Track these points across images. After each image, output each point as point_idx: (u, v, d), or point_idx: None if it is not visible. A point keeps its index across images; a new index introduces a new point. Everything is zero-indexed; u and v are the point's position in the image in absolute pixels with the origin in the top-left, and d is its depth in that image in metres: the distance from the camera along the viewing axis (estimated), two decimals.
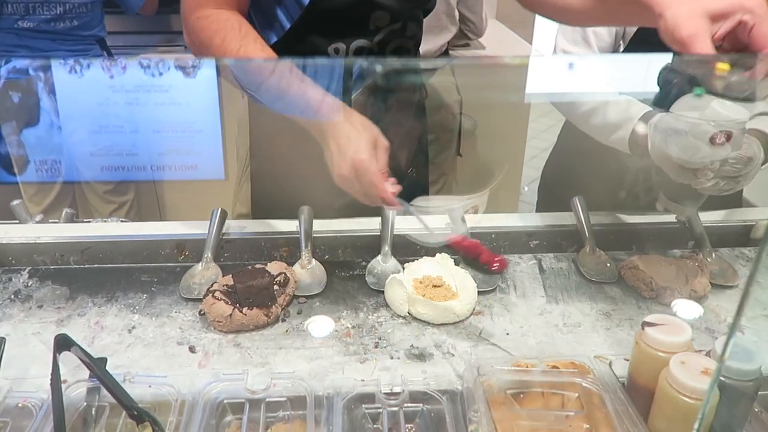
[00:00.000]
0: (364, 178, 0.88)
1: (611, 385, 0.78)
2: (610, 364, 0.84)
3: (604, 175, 1.30)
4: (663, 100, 0.99)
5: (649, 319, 0.77)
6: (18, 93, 2.24)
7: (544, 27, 3.23)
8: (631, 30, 1.20)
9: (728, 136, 0.89)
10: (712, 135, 0.90)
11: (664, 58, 0.93)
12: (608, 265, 1.10)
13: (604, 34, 1.22)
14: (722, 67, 0.83)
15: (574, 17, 1.06)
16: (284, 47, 1.08)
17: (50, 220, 1.29)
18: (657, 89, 0.96)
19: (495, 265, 0.92)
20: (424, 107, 1.32)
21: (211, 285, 0.98)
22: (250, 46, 0.97)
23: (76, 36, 2.25)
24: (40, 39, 2.20)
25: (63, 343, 0.76)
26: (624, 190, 1.32)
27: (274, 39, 1.10)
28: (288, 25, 1.07)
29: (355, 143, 0.89)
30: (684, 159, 0.92)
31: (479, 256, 0.93)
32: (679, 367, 0.70)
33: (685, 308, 1.01)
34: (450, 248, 0.96)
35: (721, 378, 0.68)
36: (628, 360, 0.81)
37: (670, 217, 1.17)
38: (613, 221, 1.20)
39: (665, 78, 0.97)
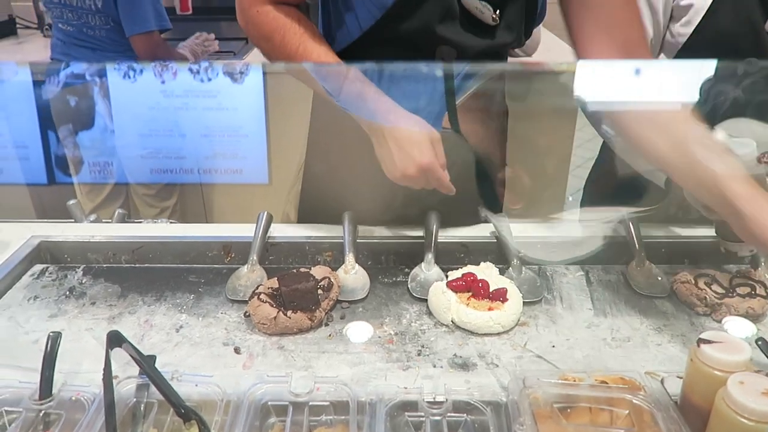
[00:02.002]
0: (432, 176, 0.98)
1: (663, 402, 0.75)
2: (662, 381, 0.81)
3: (651, 186, 1.26)
4: (707, 113, 0.96)
5: (705, 335, 0.75)
6: (75, 97, 2.33)
7: None
8: (674, 42, 1.16)
9: None
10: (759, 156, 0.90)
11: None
12: (659, 278, 1.06)
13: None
14: None
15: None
16: (345, 57, 1.06)
17: (103, 220, 1.33)
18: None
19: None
20: (506, 112, 1.31)
21: (257, 287, 1.00)
22: (308, 44, 1.00)
23: (114, 41, 2.23)
24: (81, 47, 2.24)
25: (115, 340, 0.78)
26: (674, 204, 1.28)
27: (338, 47, 1.09)
28: (356, 36, 1.06)
29: (417, 144, 0.97)
30: None
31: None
32: (737, 387, 0.67)
33: (741, 327, 0.97)
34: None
35: None
36: (681, 378, 0.78)
37: None
38: (665, 234, 1.17)
39: (715, 91, 0.95)
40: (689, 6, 1.10)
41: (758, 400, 0.65)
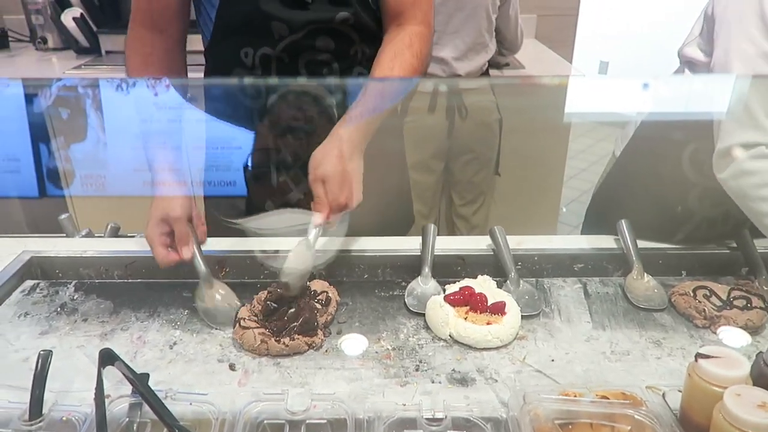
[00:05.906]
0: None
1: (666, 418, 0.74)
2: (663, 396, 0.80)
3: (664, 201, 1.22)
4: None
5: (703, 350, 0.74)
6: (67, 110, 2.32)
7: (584, 46, 3.20)
8: None
9: None
10: None
11: None
12: (656, 290, 1.06)
13: None
14: None
15: None
16: (211, 50, 1.20)
17: (96, 234, 1.31)
18: None
19: None
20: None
21: (238, 311, 0.97)
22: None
23: None
24: None
25: (107, 358, 0.77)
26: (689, 221, 1.23)
27: (206, 41, 1.20)
28: (210, 31, 1.17)
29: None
30: None
31: None
32: (734, 400, 0.66)
33: (738, 338, 0.96)
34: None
35: None
36: (681, 392, 0.77)
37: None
38: (662, 245, 1.16)
39: None
40: None
41: (755, 413, 0.64)
